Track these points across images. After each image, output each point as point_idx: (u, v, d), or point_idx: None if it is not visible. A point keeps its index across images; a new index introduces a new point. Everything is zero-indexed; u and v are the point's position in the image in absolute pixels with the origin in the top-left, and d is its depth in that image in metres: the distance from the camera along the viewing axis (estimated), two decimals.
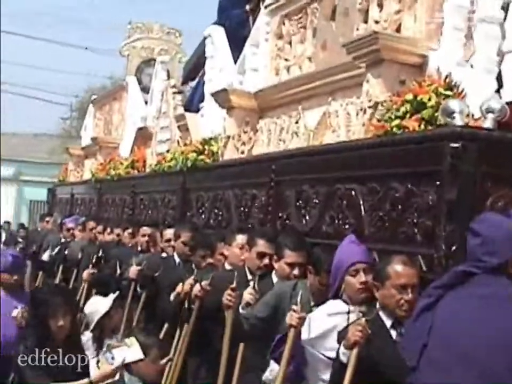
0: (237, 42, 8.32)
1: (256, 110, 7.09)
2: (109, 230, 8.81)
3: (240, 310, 4.64)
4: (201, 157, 7.52)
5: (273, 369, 4.18)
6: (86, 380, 4.04)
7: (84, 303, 6.35)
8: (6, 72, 59.03)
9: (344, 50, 5.21)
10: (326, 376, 3.78)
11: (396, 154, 4.28)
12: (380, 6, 5.32)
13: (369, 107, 4.93)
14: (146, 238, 7.48)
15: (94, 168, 12.03)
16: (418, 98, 4.43)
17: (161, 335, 5.48)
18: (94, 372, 4.09)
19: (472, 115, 4.18)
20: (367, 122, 4.93)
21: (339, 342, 3.57)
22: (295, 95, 6.42)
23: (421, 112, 4.37)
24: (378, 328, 3.60)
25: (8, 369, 4.49)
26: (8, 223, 21.56)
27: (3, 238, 16.56)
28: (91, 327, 5.29)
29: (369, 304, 3.77)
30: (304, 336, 3.92)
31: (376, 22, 5.30)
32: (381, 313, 3.67)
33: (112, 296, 5.56)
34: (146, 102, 11.38)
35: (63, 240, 9.75)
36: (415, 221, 4.01)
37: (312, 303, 4.34)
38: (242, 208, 6.20)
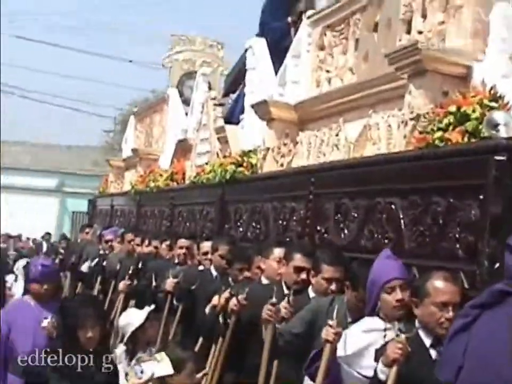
0: (278, 55, 8.28)
1: (296, 122, 7.03)
2: (147, 242, 8.78)
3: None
4: (240, 169, 7.47)
5: None
6: None
7: (120, 315, 6.30)
8: (60, 87, 60.32)
9: (386, 61, 5.14)
10: None
11: (438, 167, 4.19)
12: (424, 16, 5.23)
13: (411, 119, 4.83)
14: (183, 250, 7.42)
15: (133, 180, 12.07)
16: (462, 110, 4.31)
17: (196, 349, 5.41)
18: None
19: None
20: (408, 135, 4.83)
21: (377, 359, 3.48)
22: (336, 107, 6.35)
23: (464, 124, 4.25)
24: (418, 347, 3.50)
25: (37, 380, 4.43)
26: (48, 234, 21.78)
27: (44, 249, 16.68)
28: (124, 340, 5.22)
29: (407, 321, 3.66)
30: (340, 352, 3.82)
31: (420, 33, 5.21)
32: (420, 332, 3.56)
33: (147, 309, 5.48)
34: (187, 114, 11.39)
35: (101, 251, 9.75)
36: (457, 236, 3.91)
37: (349, 319, 4.26)
38: (280, 221, 6.13)
